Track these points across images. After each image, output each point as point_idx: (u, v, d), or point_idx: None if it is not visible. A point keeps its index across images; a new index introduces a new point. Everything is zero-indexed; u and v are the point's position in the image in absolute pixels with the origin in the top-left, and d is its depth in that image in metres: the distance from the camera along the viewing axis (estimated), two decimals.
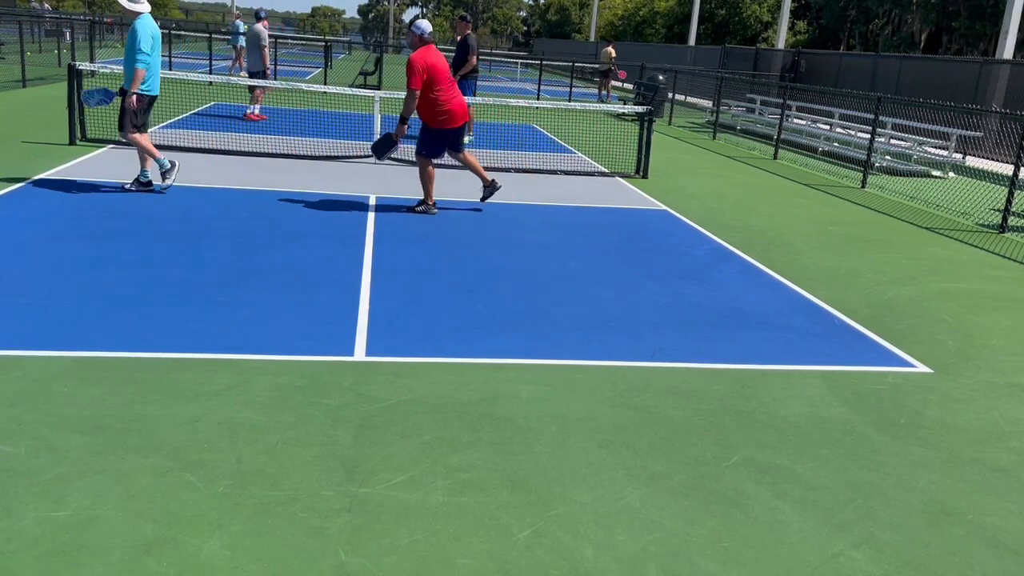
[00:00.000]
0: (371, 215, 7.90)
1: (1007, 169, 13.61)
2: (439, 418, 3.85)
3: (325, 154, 11.23)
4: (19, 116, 12.53)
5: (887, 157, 14.96)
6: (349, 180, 9.61)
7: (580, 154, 13.51)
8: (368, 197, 8.74)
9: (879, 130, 14.10)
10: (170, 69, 23.25)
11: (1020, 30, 21.25)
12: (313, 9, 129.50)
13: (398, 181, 9.82)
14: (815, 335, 5.44)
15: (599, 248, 7.32)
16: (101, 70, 11.28)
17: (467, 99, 11.06)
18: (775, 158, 15.14)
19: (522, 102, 13.89)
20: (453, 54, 12.59)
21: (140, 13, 7.78)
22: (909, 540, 3.17)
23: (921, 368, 5.01)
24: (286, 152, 11.16)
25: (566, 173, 11.37)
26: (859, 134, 16.40)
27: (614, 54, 27.49)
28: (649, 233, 8.09)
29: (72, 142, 10.39)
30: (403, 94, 11.70)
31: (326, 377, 4.19)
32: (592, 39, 54.40)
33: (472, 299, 5.61)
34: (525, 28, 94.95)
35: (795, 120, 19.00)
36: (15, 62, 18.45)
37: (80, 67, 10.71)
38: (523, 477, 3.40)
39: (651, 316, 5.55)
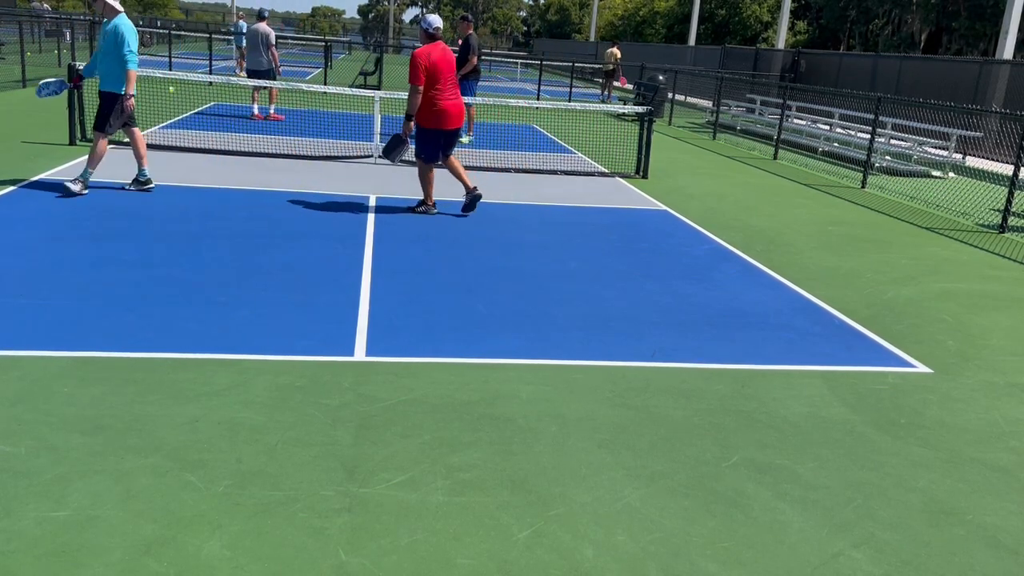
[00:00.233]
0: (371, 215, 7.90)
1: (1007, 169, 13.61)
2: (439, 418, 3.85)
3: (325, 154, 11.23)
4: (19, 116, 12.53)
5: (887, 157, 14.96)
6: (349, 180, 9.61)
7: (580, 154, 13.51)
8: (368, 197, 8.74)
9: (879, 130, 14.10)
10: (170, 69, 23.25)
11: (1020, 30, 21.25)
12: (313, 9, 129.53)
13: (398, 181, 9.82)
14: (815, 335, 5.44)
15: (599, 248, 7.32)
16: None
17: (467, 99, 11.06)
18: (775, 158, 15.14)
19: (522, 102, 13.89)
20: (455, 54, 12.59)
21: (119, 12, 7.67)
22: (909, 540, 3.17)
23: (921, 368, 5.01)
24: (286, 152, 11.16)
25: (566, 173, 11.37)
26: (859, 134, 16.40)
27: (619, 55, 27.47)
28: (649, 233, 8.10)
29: (72, 142, 10.40)
30: (403, 94, 11.72)
31: (326, 377, 4.19)
32: (592, 39, 54.41)
33: (472, 299, 5.61)
34: (525, 28, 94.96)
35: (795, 120, 19.00)
36: (15, 62, 18.45)
37: (80, 67, 10.70)
38: (523, 477, 3.40)
39: (651, 316, 5.55)
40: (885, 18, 39.46)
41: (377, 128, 11.26)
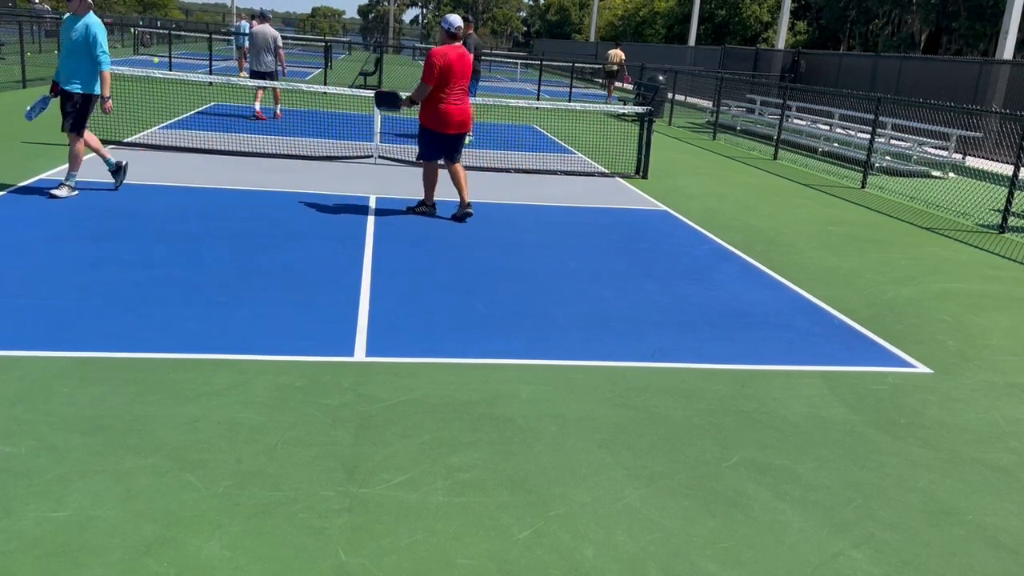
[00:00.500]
0: (371, 215, 7.90)
1: (1007, 169, 13.62)
2: (439, 418, 3.85)
3: (325, 154, 11.23)
4: (19, 116, 12.53)
5: (887, 157, 14.97)
6: (349, 180, 9.61)
7: (580, 154, 13.51)
8: (368, 198, 8.74)
9: (879, 130, 14.10)
10: (170, 69, 23.25)
11: (1020, 30, 21.24)
12: (313, 9, 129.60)
13: (398, 181, 9.82)
14: (815, 335, 5.44)
15: (599, 248, 7.33)
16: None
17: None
18: (775, 158, 15.14)
19: (522, 102, 13.90)
20: None
21: (91, 8, 7.45)
22: (909, 540, 3.17)
23: (921, 368, 5.01)
24: (286, 153, 11.16)
25: (566, 173, 11.37)
26: (859, 134, 16.40)
27: (623, 56, 27.44)
28: (649, 233, 8.10)
29: None
30: (404, 95, 11.73)
31: (326, 377, 4.19)
32: (592, 39, 54.41)
33: (472, 299, 5.61)
34: (525, 28, 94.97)
35: (795, 120, 19.00)
36: (15, 62, 18.46)
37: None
38: (523, 477, 3.40)
39: (651, 316, 5.55)
40: (885, 18, 39.46)
41: (377, 128, 11.26)
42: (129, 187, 8.27)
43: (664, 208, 9.47)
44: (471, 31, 12.40)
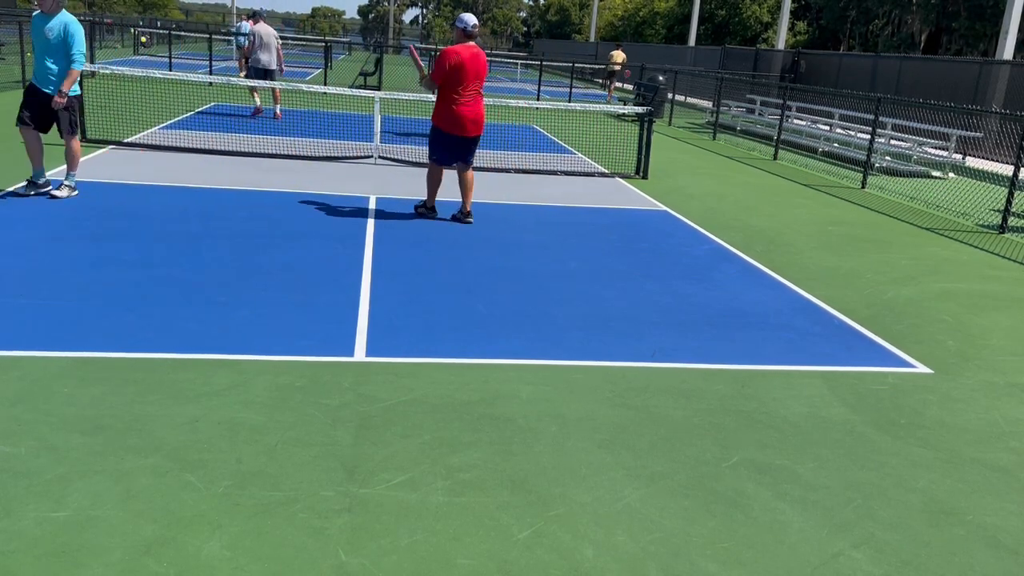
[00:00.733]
0: (371, 215, 7.90)
1: (1007, 170, 13.61)
2: (439, 418, 3.85)
3: (325, 155, 11.24)
4: None
5: (887, 158, 14.97)
6: (349, 181, 9.61)
7: (580, 154, 13.51)
8: (368, 198, 8.74)
9: (879, 131, 14.10)
10: (170, 70, 23.25)
11: (1020, 30, 21.24)
12: (313, 10, 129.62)
13: (398, 182, 9.82)
14: (815, 335, 5.44)
15: (599, 248, 7.33)
16: (101, 71, 11.28)
17: None
18: (775, 158, 15.14)
19: (522, 102, 13.89)
20: None
21: (63, 7, 7.24)
22: (909, 540, 3.17)
23: (921, 368, 5.01)
24: (286, 153, 11.16)
25: (566, 174, 11.37)
26: (859, 135, 16.40)
27: (624, 58, 27.42)
28: (649, 233, 8.10)
29: None
30: (404, 95, 11.74)
31: (326, 377, 4.19)
32: (592, 40, 54.40)
33: (472, 299, 5.61)
34: (525, 29, 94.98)
35: (795, 121, 19.01)
36: (15, 62, 18.46)
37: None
38: (523, 477, 3.40)
39: (651, 316, 5.55)
40: (885, 18, 39.46)
41: (377, 128, 11.26)
42: (129, 187, 8.27)
43: (664, 208, 9.47)
44: None
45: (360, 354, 4.52)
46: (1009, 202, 9.82)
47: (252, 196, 8.36)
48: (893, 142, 15.76)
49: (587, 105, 12.56)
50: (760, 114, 20.56)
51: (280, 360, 4.36)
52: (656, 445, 3.77)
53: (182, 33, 39.23)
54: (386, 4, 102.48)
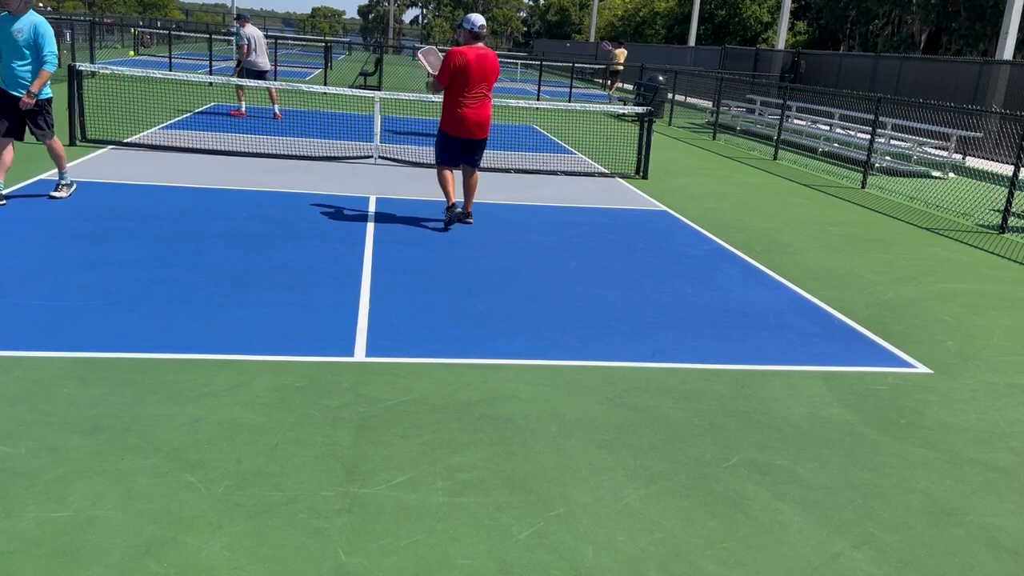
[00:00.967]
0: (371, 215, 7.90)
1: (1007, 170, 13.61)
2: (439, 418, 3.85)
3: (325, 155, 11.24)
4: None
5: (887, 158, 14.97)
6: (349, 181, 9.61)
7: (580, 155, 13.51)
8: (368, 198, 8.74)
9: (879, 131, 14.10)
10: (170, 70, 23.26)
11: (1020, 30, 21.25)
12: (313, 10, 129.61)
13: (398, 181, 9.82)
14: (815, 335, 5.44)
15: (599, 248, 7.33)
16: (101, 71, 11.28)
17: None
18: (775, 158, 15.14)
19: (522, 102, 13.90)
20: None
21: (30, 7, 7.06)
22: (909, 540, 3.17)
23: (921, 368, 5.01)
24: (286, 153, 11.16)
25: (566, 174, 11.37)
26: (859, 135, 16.40)
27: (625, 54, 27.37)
28: (649, 233, 8.10)
29: (72, 142, 10.40)
30: (404, 95, 11.74)
31: (326, 377, 4.19)
32: (592, 40, 54.41)
33: (472, 299, 5.62)
34: (525, 29, 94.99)
35: (795, 121, 19.01)
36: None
37: (80, 68, 10.72)
38: (523, 477, 3.40)
39: (651, 316, 5.55)
40: (885, 19, 39.46)
41: (377, 128, 11.26)
42: (129, 187, 8.28)
43: (664, 208, 9.47)
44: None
45: (360, 354, 4.52)
46: (1009, 202, 9.82)
47: (252, 196, 8.37)
48: (893, 142, 15.76)
49: (587, 105, 12.56)
50: (760, 114, 20.56)
51: (280, 360, 4.36)
52: (656, 445, 3.77)
53: (182, 33, 39.23)
54: (386, 4, 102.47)
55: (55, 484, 3.08)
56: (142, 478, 3.16)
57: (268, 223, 7.28)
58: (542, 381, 4.37)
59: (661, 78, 21.70)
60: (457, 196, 7.82)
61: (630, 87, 27.49)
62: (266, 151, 11.15)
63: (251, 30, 14.37)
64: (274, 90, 14.00)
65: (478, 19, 7.33)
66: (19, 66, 7.07)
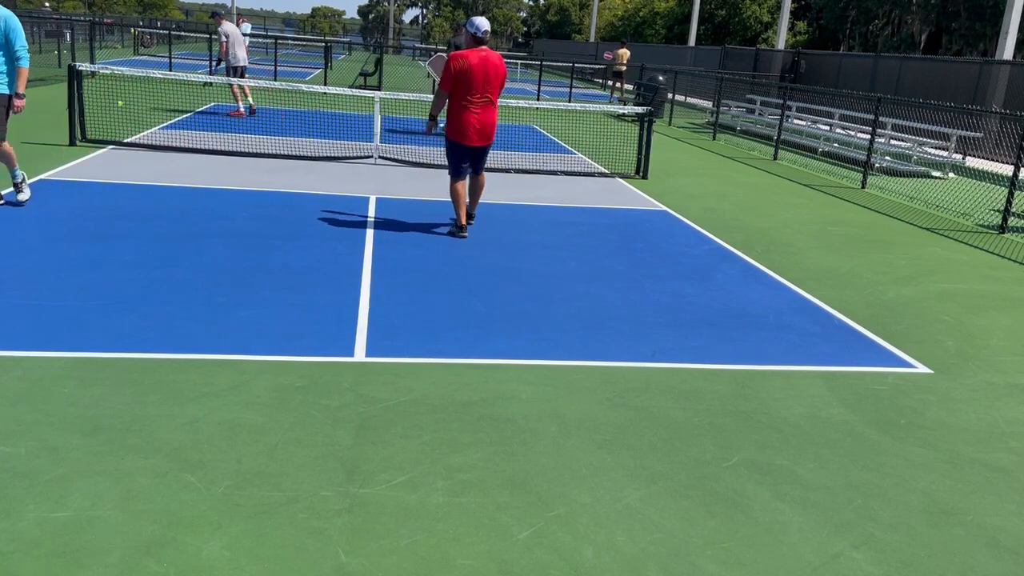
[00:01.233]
0: (371, 216, 7.90)
1: (1007, 170, 13.62)
2: (439, 419, 3.85)
3: (325, 155, 11.24)
4: (19, 116, 12.51)
5: (887, 158, 14.96)
6: (349, 181, 9.61)
7: (580, 155, 13.51)
8: (368, 198, 8.74)
9: (879, 131, 14.10)
10: (170, 70, 23.25)
11: (1020, 30, 21.24)
12: (313, 10, 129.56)
13: (398, 181, 9.82)
14: (815, 335, 5.44)
15: (599, 248, 7.32)
16: (101, 71, 11.29)
17: None
18: (775, 159, 15.14)
19: (522, 103, 13.89)
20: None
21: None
22: (909, 540, 3.17)
23: (921, 368, 5.01)
24: (286, 153, 11.16)
25: (566, 174, 11.37)
26: (859, 135, 16.40)
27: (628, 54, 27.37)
28: (649, 233, 8.10)
29: (72, 143, 10.40)
30: (403, 95, 11.74)
31: (326, 377, 4.19)
32: (592, 40, 54.40)
33: (472, 299, 5.62)
34: (525, 29, 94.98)
35: (795, 121, 19.00)
36: None
37: (80, 67, 10.72)
38: (523, 478, 3.40)
39: (651, 316, 5.55)
40: (885, 19, 39.46)
41: (377, 128, 11.26)
42: (129, 187, 8.28)
43: (664, 208, 9.47)
44: (462, 33, 12.31)
45: (360, 354, 4.52)
46: (1009, 202, 9.82)
47: (252, 196, 8.37)
48: (893, 142, 15.75)
49: (587, 105, 12.56)
50: (760, 114, 20.56)
51: (280, 360, 4.36)
52: (656, 446, 3.77)
53: (182, 33, 39.22)
54: (386, 4, 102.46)
55: (55, 484, 3.08)
56: (142, 478, 3.16)
57: (268, 223, 7.28)
58: (542, 381, 4.37)
59: (661, 78, 21.69)
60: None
61: (630, 87, 27.44)
62: (266, 151, 11.15)
63: (226, 27, 14.51)
64: (246, 87, 14.14)
65: (482, 23, 7.05)
66: None
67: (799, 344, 5.25)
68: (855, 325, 5.72)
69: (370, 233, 7.21)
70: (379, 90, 18.62)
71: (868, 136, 12.95)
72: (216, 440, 3.49)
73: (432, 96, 10.16)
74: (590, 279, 6.31)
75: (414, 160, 11.37)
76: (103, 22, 37.70)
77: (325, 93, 17.87)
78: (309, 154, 11.19)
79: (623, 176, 11.56)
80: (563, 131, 16.82)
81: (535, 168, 11.50)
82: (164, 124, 13.00)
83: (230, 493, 3.11)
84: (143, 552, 2.74)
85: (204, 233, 6.77)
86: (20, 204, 7.20)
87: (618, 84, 27.08)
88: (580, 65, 36.29)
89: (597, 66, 34.65)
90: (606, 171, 11.83)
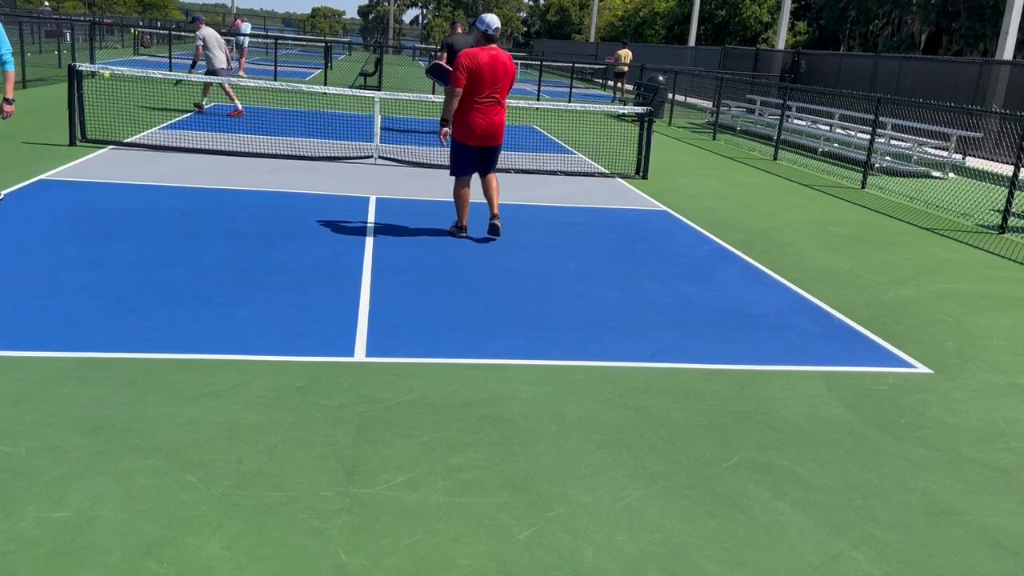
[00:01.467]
0: (371, 216, 7.90)
1: (1007, 170, 13.61)
2: (439, 419, 3.85)
3: (325, 155, 11.24)
4: (19, 116, 12.52)
5: (887, 158, 14.96)
6: (349, 181, 9.61)
7: (580, 155, 13.51)
8: (368, 198, 8.74)
9: (879, 131, 14.10)
10: (170, 70, 23.25)
11: (1020, 30, 21.25)
12: (313, 10, 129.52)
13: (398, 181, 9.82)
14: (815, 335, 5.44)
15: (599, 248, 7.32)
16: (101, 71, 11.28)
17: None
18: (775, 159, 15.14)
19: (522, 103, 13.89)
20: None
21: None
22: (909, 540, 3.17)
23: (921, 368, 5.01)
24: (286, 153, 11.16)
25: (566, 174, 11.37)
26: (859, 135, 16.40)
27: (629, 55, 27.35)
28: (649, 233, 8.10)
29: (72, 142, 10.40)
30: (403, 95, 11.74)
31: (326, 377, 4.19)
32: (592, 40, 54.40)
33: (472, 299, 5.62)
34: (525, 29, 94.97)
35: (795, 121, 19.00)
36: (16, 63, 18.44)
37: (80, 68, 10.72)
38: (523, 478, 3.40)
39: (651, 316, 5.55)
40: (885, 19, 39.45)
41: (377, 129, 11.26)
42: (129, 187, 8.28)
43: (664, 208, 9.47)
44: (460, 31, 12.31)
45: (360, 354, 4.52)
46: (1009, 202, 9.82)
47: (252, 196, 8.37)
48: (893, 142, 15.75)
49: (587, 105, 12.56)
50: (760, 114, 20.56)
51: (280, 360, 4.36)
52: (656, 446, 3.77)
53: (182, 33, 39.21)
54: (386, 4, 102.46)
55: (55, 484, 3.08)
56: (142, 478, 3.16)
57: (268, 223, 7.28)
58: (542, 381, 4.37)
59: (661, 78, 21.69)
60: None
61: (630, 87, 27.44)
62: (266, 151, 11.15)
63: (204, 31, 14.49)
64: (225, 86, 14.17)
65: (493, 20, 6.88)
66: None
67: (799, 344, 5.25)
68: (855, 325, 5.72)
69: (370, 233, 7.21)
70: (379, 90, 18.62)
71: (868, 136, 12.95)
72: (216, 440, 3.49)
73: (431, 97, 10.17)
74: (590, 279, 6.31)
75: (414, 160, 11.37)
76: (103, 22, 37.71)
77: (325, 93, 17.87)
78: (309, 154, 11.19)
79: (623, 176, 11.56)
80: (563, 131, 16.82)
81: (535, 168, 11.50)
82: (164, 124, 13.01)
83: (230, 493, 3.11)
84: (143, 552, 2.74)
85: (204, 233, 6.77)
86: None
87: (619, 84, 27.05)
88: (580, 65, 36.29)
89: (597, 66, 34.64)
90: (606, 171, 11.83)
